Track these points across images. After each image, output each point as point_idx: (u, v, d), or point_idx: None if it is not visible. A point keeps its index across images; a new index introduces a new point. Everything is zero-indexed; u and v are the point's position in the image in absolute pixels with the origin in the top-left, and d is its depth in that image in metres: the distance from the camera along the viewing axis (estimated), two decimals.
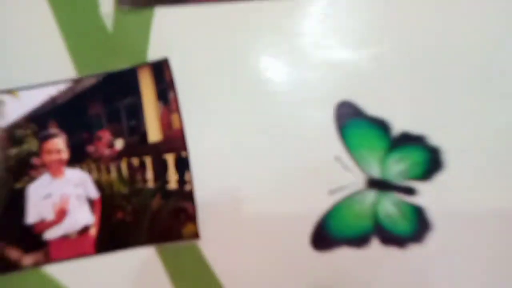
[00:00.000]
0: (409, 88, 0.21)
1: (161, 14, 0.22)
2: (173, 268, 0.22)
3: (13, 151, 0.21)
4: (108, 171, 0.22)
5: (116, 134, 0.22)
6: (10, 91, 0.21)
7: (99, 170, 0.22)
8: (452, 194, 0.21)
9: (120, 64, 0.21)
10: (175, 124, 0.21)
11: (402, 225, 0.21)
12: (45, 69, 0.21)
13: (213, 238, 0.21)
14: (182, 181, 0.21)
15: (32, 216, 0.21)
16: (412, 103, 0.21)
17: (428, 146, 0.21)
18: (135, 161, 0.22)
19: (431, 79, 0.21)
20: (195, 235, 0.21)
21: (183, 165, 0.21)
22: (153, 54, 0.21)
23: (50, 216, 0.22)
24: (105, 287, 0.22)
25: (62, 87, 0.22)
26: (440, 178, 0.21)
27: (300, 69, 0.22)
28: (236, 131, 0.22)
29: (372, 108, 0.21)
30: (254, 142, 0.22)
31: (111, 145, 0.22)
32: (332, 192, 0.21)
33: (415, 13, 0.21)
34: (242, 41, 0.22)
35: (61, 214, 0.22)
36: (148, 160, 0.22)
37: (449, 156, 0.21)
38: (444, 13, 0.21)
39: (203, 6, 0.22)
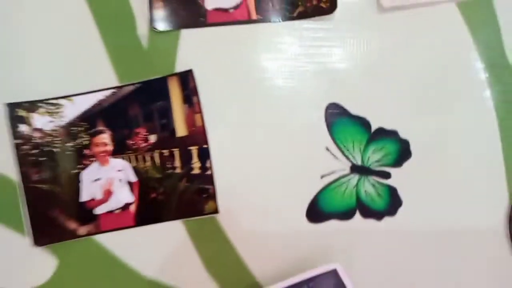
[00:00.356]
0: (384, 94, 0.27)
1: (186, 35, 0.27)
2: (196, 237, 0.27)
3: (70, 144, 0.27)
4: (144, 160, 0.27)
5: (150, 131, 0.27)
6: (67, 97, 0.27)
7: (137, 159, 0.27)
8: (418, 177, 0.27)
9: (153, 74, 0.27)
10: (198, 123, 0.27)
11: (379, 202, 0.27)
12: (94, 79, 0.27)
13: (229, 212, 0.27)
14: (204, 168, 0.27)
15: (85, 195, 0.27)
16: (386, 105, 0.27)
17: (399, 139, 0.27)
18: (166, 152, 0.27)
19: (401, 87, 0.27)
20: (215, 211, 0.27)
21: (204, 155, 0.27)
22: (180, 66, 0.27)
23: (99, 195, 0.27)
24: (142, 252, 0.27)
25: (107, 93, 0.27)
26: (408, 164, 0.27)
27: (298, 79, 0.27)
28: (247, 128, 0.27)
29: (355, 109, 0.27)
30: (261, 136, 0.27)
31: (146, 140, 0.27)
32: (323, 176, 0.27)
33: (387, 39, 0.27)
34: (251, 56, 0.27)
35: (108, 194, 0.27)
36: (176, 151, 0.27)
37: (415, 147, 0.27)
38: (409, 39, 0.27)
39: (218, 28, 0.27)
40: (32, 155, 0.26)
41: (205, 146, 0.27)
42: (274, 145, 0.27)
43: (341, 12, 0.27)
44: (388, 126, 0.27)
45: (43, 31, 0.27)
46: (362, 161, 0.27)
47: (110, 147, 0.27)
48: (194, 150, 0.27)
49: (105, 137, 0.27)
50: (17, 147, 0.26)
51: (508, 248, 0.26)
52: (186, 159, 0.27)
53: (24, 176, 0.26)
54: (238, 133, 0.27)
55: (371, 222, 0.27)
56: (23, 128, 0.27)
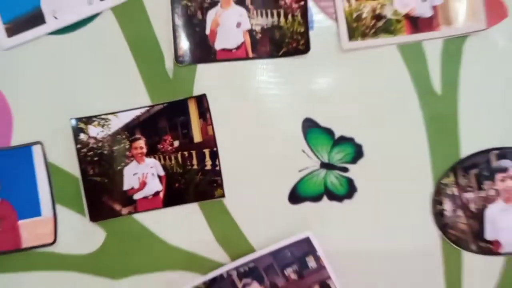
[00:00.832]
0: (344, 111, 0.37)
1: (201, 68, 0.37)
2: (208, 215, 0.37)
3: (115, 148, 0.37)
4: (170, 159, 0.37)
5: (174, 138, 0.37)
6: (114, 113, 0.36)
7: (164, 159, 0.37)
8: (368, 171, 0.37)
9: (177, 97, 0.37)
10: (210, 132, 0.37)
11: (340, 189, 0.37)
12: (133, 100, 0.36)
13: (233, 197, 0.37)
14: (214, 165, 0.37)
15: (126, 185, 0.37)
16: (346, 120, 0.37)
17: (355, 144, 0.37)
18: (186, 153, 0.37)
19: (356, 107, 0.37)
20: (222, 195, 0.37)
21: (214, 155, 0.37)
22: (197, 91, 0.37)
23: (136, 185, 0.37)
24: (168, 226, 0.37)
25: (143, 110, 0.37)
26: (361, 162, 0.37)
27: (283, 100, 0.37)
28: (245, 136, 0.37)
29: (323, 122, 0.37)
30: (256, 142, 0.37)
31: (172, 144, 0.37)
32: (300, 170, 0.37)
33: (346, 71, 0.37)
34: (248, 83, 0.37)
35: (143, 184, 0.37)
36: (193, 153, 0.37)
37: (366, 149, 0.37)
38: (361, 71, 0.37)
39: (224, 63, 0.37)
40: (88, 156, 0.36)
41: (215, 149, 0.37)
42: (265, 148, 0.37)
43: (313, 52, 0.37)
44: (347, 134, 0.37)
45: (98, 67, 0.36)
46: (328, 159, 0.37)
47: (145, 150, 0.37)
48: (207, 152, 0.37)
49: (141, 143, 0.37)
50: (78, 150, 0.36)
51: (433, 226, 0.37)
52: (201, 158, 0.37)
53: (83, 172, 0.36)
54: (239, 140, 0.37)
55: (334, 204, 0.37)
56: (82, 136, 0.36)
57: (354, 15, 0.36)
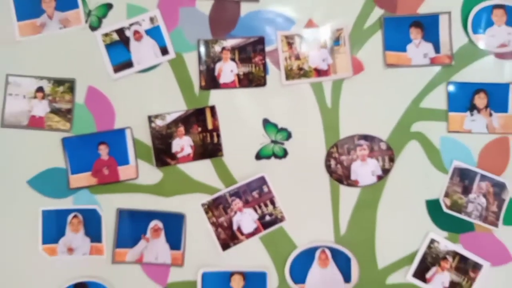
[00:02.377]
0: (284, 115, 0.74)
1: (213, 92, 0.73)
2: (215, 165, 0.74)
3: (169, 130, 0.73)
4: (196, 137, 0.73)
5: (198, 126, 0.73)
6: (168, 113, 0.73)
7: (193, 137, 0.73)
8: (294, 145, 0.74)
9: (200, 106, 0.73)
10: (216, 124, 0.73)
11: (280, 153, 0.74)
12: (178, 107, 0.73)
13: (228, 155, 0.74)
14: (218, 140, 0.73)
15: (174, 149, 0.73)
16: (284, 118, 0.74)
17: (287, 131, 0.74)
18: (204, 134, 0.73)
19: (288, 113, 0.74)
20: (222, 155, 0.73)
21: (218, 135, 0.73)
22: (210, 103, 0.73)
23: (179, 150, 0.73)
24: (194, 171, 0.74)
25: (182, 112, 0.73)
26: (291, 140, 0.74)
27: (252, 108, 0.74)
28: (236, 127, 0.74)
29: (272, 120, 0.74)
30: (241, 129, 0.73)
31: (197, 130, 0.73)
32: (261, 144, 0.74)
33: (286, 98, 0.74)
34: (237, 101, 0.74)
35: (182, 149, 0.73)
36: (208, 134, 0.73)
37: (294, 134, 0.74)
38: (293, 97, 0.74)
39: (224, 90, 0.73)
40: (155, 134, 0.73)
41: (218, 132, 0.73)
42: (245, 132, 0.74)
43: (268, 85, 0.73)
44: (284, 126, 0.74)
45: (162, 89, 0.73)
46: (275, 138, 0.74)
47: (183, 132, 0.73)
48: (214, 134, 0.73)
49: (182, 129, 0.73)
50: (151, 132, 0.72)
51: (326, 173, 0.74)
52: (211, 137, 0.73)
53: (153, 142, 0.72)
54: (232, 128, 0.73)
55: (277, 160, 0.74)
56: (153, 124, 0.72)
57: (288, 68, 0.73)
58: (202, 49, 0.73)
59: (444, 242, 0.73)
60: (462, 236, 0.74)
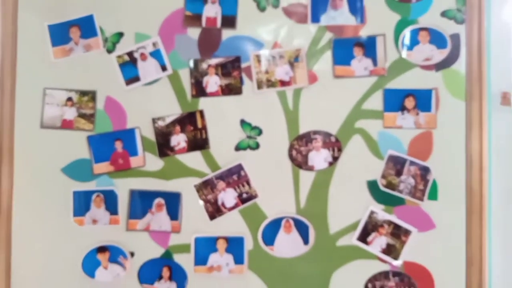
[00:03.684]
0: (257, 115, 0.96)
1: (202, 99, 0.95)
2: (205, 156, 0.96)
3: (168, 129, 0.95)
4: (189, 134, 0.96)
5: (191, 126, 0.95)
6: (168, 116, 0.95)
7: (186, 134, 0.96)
8: (265, 139, 0.96)
9: (191, 110, 0.95)
10: (204, 124, 0.95)
11: (254, 145, 0.96)
12: (174, 111, 0.95)
13: (214, 148, 0.96)
14: (206, 136, 0.95)
15: (172, 143, 0.95)
16: (257, 118, 0.96)
17: (259, 129, 0.96)
18: (195, 132, 0.96)
19: (261, 113, 0.96)
20: (209, 147, 0.95)
21: (206, 132, 0.95)
22: (200, 107, 0.95)
23: (176, 144, 0.96)
24: (188, 161, 0.96)
25: (178, 115, 0.95)
26: (262, 135, 0.96)
27: (232, 110, 0.96)
28: (221, 125, 0.96)
29: (248, 119, 0.96)
30: (225, 127, 0.96)
31: (189, 128, 0.96)
32: (240, 138, 0.96)
33: (255, 103, 0.96)
34: (222, 104, 0.96)
35: (178, 144, 0.96)
36: (198, 132, 0.95)
37: (264, 131, 0.96)
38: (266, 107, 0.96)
39: (210, 97, 0.96)
40: (158, 132, 0.95)
41: (205, 130, 0.95)
42: (227, 130, 0.96)
43: (244, 93, 0.95)
44: (257, 125, 0.96)
45: (162, 96, 0.95)
46: (250, 134, 0.96)
47: (179, 130, 0.95)
48: (203, 131, 0.95)
49: (178, 128, 0.95)
50: (155, 131, 0.95)
51: (288, 160, 0.96)
52: (201, 133, 0.95)
53: (156, 139, 0.95)
54: (218, 127, 0.96)
55: (252, 152, 0.96)
56: (156, 124, 0.95)
57: (259, 80, 0.95)
58: (193, 66, 0.95)
59: (381, 213, 0.95)
60: (396, 209, 0.95)
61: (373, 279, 0.95)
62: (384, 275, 0.95)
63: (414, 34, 0.95)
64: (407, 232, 0.94)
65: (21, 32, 0.97)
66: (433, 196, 0.95)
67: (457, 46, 0.95)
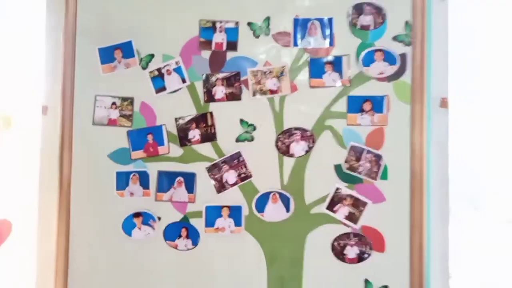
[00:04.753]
0: (252, 114, 1.28)
1: (212, 104, 1.28)
2: (214, 145, 1.29)
3: (187, 126, 1.29)
4: (202, 129, 1.29)
5: (204, 124, 1.29)
6: (187, 116, 1.28)
7: (201, 130, 1.29)
8: (259, 135, 1.28)
9: (204, 111, 1.28)
10: (214, 122, 1.28)
11: (249, 138, 1.28)
12: (191, 112, 1.28)
13: (222, 140, 1.29)
14: (214, 131, 1.28)
15: (189, 136, 1.29)
16: (249, 117, 1.28)
17: (254, 126, 1.28)
18: (207, 128, 1.29)
19: (256, 115, 1.28)
20: (215, 140, 1.29)
21: (214, 128, 1.28)
22: (211, 109, 1.28)
23: (192, 136, 1.29)
24: (201, 149, 1.29)
25: (193, 115, 1.28)
26: (257, 131, 1.28)
27: (232, 111, 1.29)
28: (223, 121, 1.28)
29: (244, 118, 1.28)
30: (225, 122, 1.28)
31: (203, 125, 1.29)
32: (239, 133, 1.29)
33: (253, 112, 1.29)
34: (227, 108, 1.28)
35: (194, 137, 1.29)
36: (209, 127, 1.28)
37: (258, 128, 1.28)
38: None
39: (218, 102, 1.29)
40: (180, 128, 1.28)
41: (214, 126, 1.28)
42: (230, 124, 1.28)
43: (243, 100, 1.28)
44: (252, 122, 1.28)
45: (182, 102, 1.28)
46: (247, 130, 1.28)
47: (195, 126, 1.29)
48: (212, 128, 1.28)
49: (194, 125, 1.29)
50: (177, 127, 1.28)
51: (276, 150, 1.28)
52: (211, 128, 1.28)
53: (178, 133, 1.28)
54: (223, 124, 1.28)
55: (248, 143, 1.28)
56: (177, 122, 1.28)
57: (254, 89, 1.28)
58: (205, 79, 1.29)
59: (345, 189, 1.26)
60: (356, 186, 1.26)
61: (338, 238, 1.26)
62: (347, 235, 1.26)
63: (371, 54, 1.26)
64: (364, 204, 1.26)
65: (78, 53, 1.31)
66: (384, 176, 1.26)
67: (405, 63, 1.26)
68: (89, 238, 1.31)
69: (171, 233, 1.29)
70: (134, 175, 1.30)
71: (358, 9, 1.26)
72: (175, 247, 1.29)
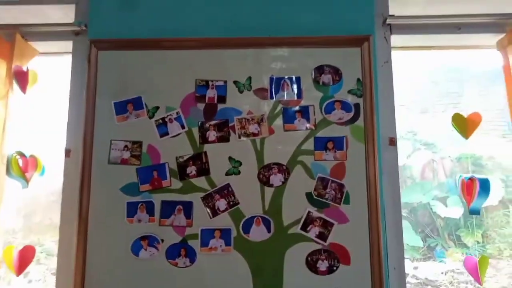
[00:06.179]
0: (240, 154, 1.59)
1: (206, 145, 1.59)
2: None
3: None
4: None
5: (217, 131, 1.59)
6: (181, 156, 1.59)
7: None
8: (244, 173, 1.58)
9: (199, 151, 1.59)
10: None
11: (236, 172, 1.58)
12: (188, 151, 1.59)
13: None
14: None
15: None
16: (240, 156, 1.59)
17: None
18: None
19: (241, 153, 1.59)
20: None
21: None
22: (205, 150, 1.59)
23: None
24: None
25: (191, 155, 1.59)
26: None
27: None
28: (215, 164, 1.59)
29: (234, 156, 1.59)
30: (218, 167, 1.59)
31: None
32: (228, 167, 1.58)
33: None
34: (219, 149, 1.59)
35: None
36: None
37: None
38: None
39: (212, 144, 1.60)
40: (179, 166, 1.58)
41: None
42: (221, 164, 1.58)
43: (231, 141, 1.59)
44: (238, 159, 1.58)
45: (181, 145, 1.59)
46: (234, 165, 1.58)
47: (192, 164, 1.58)
48: (206, 165, 1.58)
49: (191, 163, 1.59)
50: (177, 166, 1.58)
51: None
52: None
53: (179, 169, 1.58)
54: (215, 163, 1.59)
55: (236, 176, 1.58)
56: (178, 161, 1.58)
57: (239, 133, 1.59)
58: (200, 126, 1.61)
59: (315, 213, 1.55)
60: (324, 210, 1.55)
61: (311, 254, 1.53)
62: (318, 251, 1.53)
63: (332, 104, 1.60)
64: (331, 224, 1.54)
65: (98, 106, 1.64)
66: (347, 201, 1.55)
67: (358, 111, 1.60)
68: (103, 258, 1.55)
69: (172, 253, 1.54)
70: (141, 204, 1.57)
71: (320, 70, 1.62)
72: (176, 264, 1.54)
